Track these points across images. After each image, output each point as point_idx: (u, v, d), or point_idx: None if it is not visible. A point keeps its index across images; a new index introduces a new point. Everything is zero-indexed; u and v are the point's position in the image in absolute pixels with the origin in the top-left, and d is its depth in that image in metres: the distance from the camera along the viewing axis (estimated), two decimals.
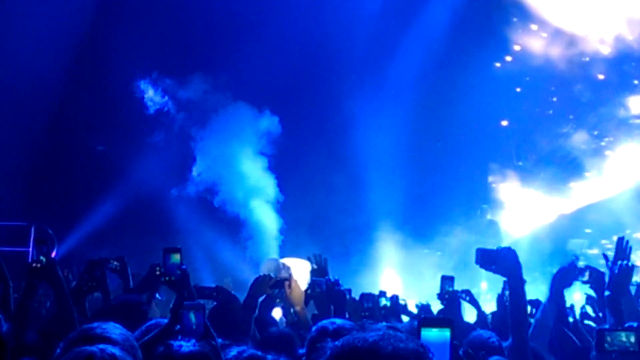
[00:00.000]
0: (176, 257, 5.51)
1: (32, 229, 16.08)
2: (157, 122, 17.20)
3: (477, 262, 5.17)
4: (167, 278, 5.49)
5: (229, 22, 17.17)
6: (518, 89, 18.45)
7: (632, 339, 4.65)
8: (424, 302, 8.82)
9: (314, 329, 4.45)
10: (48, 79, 16.56)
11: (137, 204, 16.73)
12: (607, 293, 5.42)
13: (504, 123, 18.85)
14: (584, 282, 6.61)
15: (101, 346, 2.68)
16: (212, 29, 17.10)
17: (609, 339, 4.68)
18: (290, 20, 16.86)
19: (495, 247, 5.20)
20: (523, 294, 5.13)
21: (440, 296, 7.21)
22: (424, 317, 5.00)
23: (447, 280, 7.27)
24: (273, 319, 7.20)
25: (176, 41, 17.27)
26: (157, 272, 5.81)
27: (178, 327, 4.15)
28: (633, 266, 5.59)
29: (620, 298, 5.40)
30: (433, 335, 2.86)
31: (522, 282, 5.09)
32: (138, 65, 16.69)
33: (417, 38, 17.82)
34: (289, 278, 7.08)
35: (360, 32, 17.66)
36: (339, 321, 4.45)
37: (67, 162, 17.94)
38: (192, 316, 4.06)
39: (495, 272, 5.24)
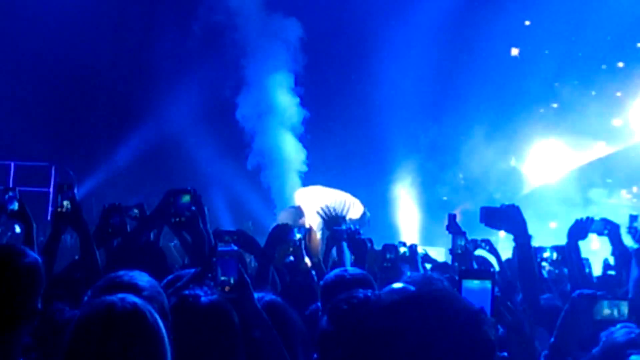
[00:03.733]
0: (186, 198, 5.43)
1: (53, 169, 16.20)
2: (179, 62, 17.15)
3: (481, 220, 5.14)
4: (177, 219, 5.40)
5: None
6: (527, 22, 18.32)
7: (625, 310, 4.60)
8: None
9: (327, 278, 4.40)
10: (69, 17, 16.48)
11: (158, 146, 16.74)
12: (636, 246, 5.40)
13: (515, 52, 18.62)
14: (600, 234, 6.62)
15: (121, 295, 2.65)
16: None
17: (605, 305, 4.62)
18: None
19: (500, 206, 5.17)
20: (530, 249, 5.11)
21: (452, 251, 7.17)
22: (465, 268, 5.01)
23: (458, 236, 7.19)
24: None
25: None
26: (172, 200, 5.51)
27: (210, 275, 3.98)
28: None
29: None
30: (475, 286, 2.86)
31: (529, 237, 5.06)
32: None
33: None
34: (309, 229, 7.04)
35: None
36: (351, 270, 4.40)
37: (88, 101, 17.93)
38: (225, 263, 3.79)
39: (500, 229, 5.24)
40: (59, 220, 5.22)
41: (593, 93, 17.85)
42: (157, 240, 6.28)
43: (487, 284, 2.85)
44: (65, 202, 5.19)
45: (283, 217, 11.52)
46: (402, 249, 7.97)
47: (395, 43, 17.61)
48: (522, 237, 5.02)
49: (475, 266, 6.89)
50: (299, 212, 12.18)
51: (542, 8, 17.74)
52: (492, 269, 6.76)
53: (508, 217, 5.03)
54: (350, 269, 4.55)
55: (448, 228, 7.22)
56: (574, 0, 17.37)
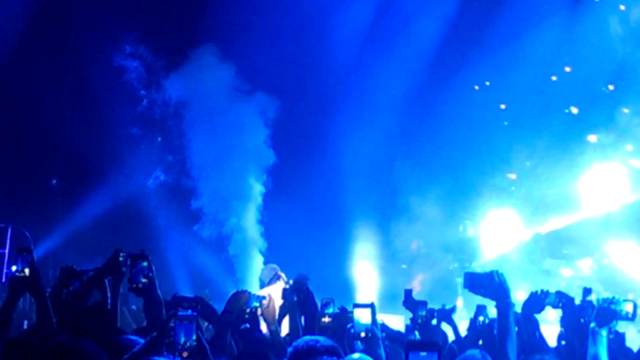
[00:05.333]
0: (144, 264, 5.43)
1: (9, 230, 15.99)
2: (141, 119, 17.20)
3: (465, 285, 5.21)
4: (134, 285, 5.38)
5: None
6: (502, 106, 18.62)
7: None
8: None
9: (298, 344, 4.41)
10: (25, 75, 16.45)
11: (116, 207, 16.66)
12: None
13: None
14: (554, 307, 6.69)
15: None
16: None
17: None
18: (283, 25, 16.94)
19: (483, 272, 5.25)
20: (511, 317, 5.15)
21: (413, 320, 7.22)
22: (411, 340, 5.03)
23: (420, 305, 7.26)
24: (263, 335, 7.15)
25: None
26: (121, 258, 5.69)
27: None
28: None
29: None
30: (422, 358, 2.89)
31: (511, 305, 5.12)
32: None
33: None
34: (265, 297, 7.04)
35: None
36: (323, 340, 4.41)
37: (45, 162, 17.82)
38: (184, 328, 3.83)
39: (484, 295, 5.28)
40: (17, 285, 5.18)
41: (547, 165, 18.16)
42: (114, 302, 6.24)
43: (434, 357, 2.88)
44: (25, 268, 5.16)
45: (265, 274, 12.22)
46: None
47: (354, 107, 17.86)
48: (504, 303, 5.08)
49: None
50: (278, 272, 12.36)
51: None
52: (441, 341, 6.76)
53: (491, 283, 5.09)
54: (322, 339, 4.54)
55: (405, 304, 7.31)
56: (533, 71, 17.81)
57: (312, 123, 18.16)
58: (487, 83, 18.54)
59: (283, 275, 12.29)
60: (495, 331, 5.29)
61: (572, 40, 17.62)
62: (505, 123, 18.75)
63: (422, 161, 18.34)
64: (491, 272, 5.14)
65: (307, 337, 4.60)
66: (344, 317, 6.06)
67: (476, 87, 18.63)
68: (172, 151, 17.14)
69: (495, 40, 17.66)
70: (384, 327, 9.01)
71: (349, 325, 5.64)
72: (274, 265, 12.79)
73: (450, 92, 17.90)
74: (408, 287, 7.71)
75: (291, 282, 10.66)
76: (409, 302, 7.29)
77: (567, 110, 18.14)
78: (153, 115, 17.21)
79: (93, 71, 16.87)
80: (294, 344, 4.56)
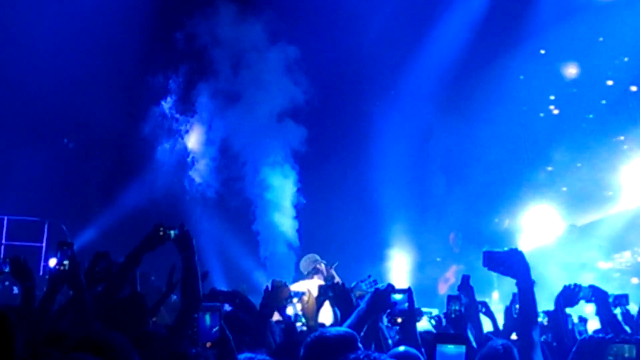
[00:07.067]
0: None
1: (46, 225, 16.18)
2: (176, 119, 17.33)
3: (484, 264, 5.16)
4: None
5: None
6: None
7: (634, 352, 4.63)
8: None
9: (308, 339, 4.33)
10: (66, 76, 16.62)
11: (152, 201, 16.78)
12: None
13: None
14: (588, 301, 6.64)
15: None
16: None
17: (615, 349, 4.65)
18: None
19: (502, 250, 5.18)
20: (532, 294, 5.08)
21: (446, 315, 7.19)
22: (439, 333, 5.00)
23: (453, 299, 7.24)
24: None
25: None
26: (160, 232, 5.63)
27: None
28: None
29: None
30: (448, 351, 2.88)
31: (531, 282, 5.05)
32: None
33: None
34: (305, 292, 7.05)
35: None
36: (333, 330, 4.35)
37: (82, 157, 17.98)
38: (207, 318, 3.84)
39: (503, 273, 5.22)
40: (57, 279, 5.24)
41: (586, 158, 17.96)
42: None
43: (462, 349, 2.88)
44: (65, 262, 5.21)
45: (303, 265, 12.28)
46: None
47: (387, 102, 17.83)
48: (524, 281, 5.01)
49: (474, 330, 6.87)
50: (317, 262, 12.37)
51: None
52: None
53: (511, 261, 5.02)
54: (332, 329, 4.48)
55: (459, 288, 7.30)
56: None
57: (345, 117, 18.15)
58: (522, 77, 18.33)
59: (323, 266, 12.27)
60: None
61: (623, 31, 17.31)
62: (542, 115, 18.59)
63: (457, 154, 18.24)
64: (510, 250, 5.08)
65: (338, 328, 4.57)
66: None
67: (521, 77, 18.35)
68: (209, 145, 17.24)
69: (534, 31, 17.52)
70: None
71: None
72: (315, 257, 12.75)
73: (486, 85, 17.77)
74: (443, 278, 7.69)
75: (333, 271, 10.69)
76: (465, 288, 7.27)
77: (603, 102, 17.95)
78: (192, 108, 17.34)
79: (133, 66, 17.04)
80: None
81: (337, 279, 11.04)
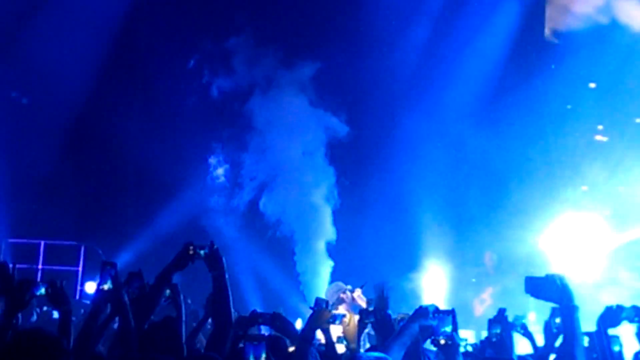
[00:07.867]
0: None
1: (82, 249, 16.33)
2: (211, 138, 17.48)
3: (527, 290, 5.06)
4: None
5: None
6: None
7: None
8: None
9: None
10: (99, 97, 16.82)
11: (186, 223, 16.86)
12: None
13: None
14: (631, 322, 6.51)
15: None
16: None
17: None
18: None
19: (544, 275, 5.11)
20: (576, 320, 4.98)
21: (488, 339, 7.13)
22: (488, 357, 4.91)
23: (494, 323, 7.18)
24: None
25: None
26: (190, 251, 5.63)
27: None
28: None
29: None
30: None
31: (575, 308, 4.96)
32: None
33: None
34: (346, 315, 7.03)
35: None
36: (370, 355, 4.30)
37: (117, 181, 18.13)
38: (253, 348, 3.78)
39: (546, 299, 5.12)
40: (101, 300, 5.27)
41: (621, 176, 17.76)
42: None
43: None
44: (108, 282, 5.25)
45: (330, 293, 11.86)
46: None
47: (421, 114, 17.80)
48: (567, 307, 4.91)
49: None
50: (344, 290, 12.29)
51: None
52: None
53: (553, 287, 4.94)
54: (368, 353, 4.45)
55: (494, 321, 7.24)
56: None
57: (379, 129, 18.16)
58: (569, 106, 18.20)
59: (347, 295, 12.17)
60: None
61: None
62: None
63: (491, 171, 18.12)
64: (552, 276, 4.99)
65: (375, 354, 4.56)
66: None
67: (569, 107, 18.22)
68: (240, 168, 17.33)
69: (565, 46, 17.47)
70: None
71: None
72: (339, 286, 12.69)
73: (518, 99, 17.70)
74: (479, 299, 7.65)
75: (358, 298, 10.59)
76: (499, 321, 7.24)
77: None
78: (222, 131, 17.46)
79: (166, 88, 17.21)
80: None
81: (363, 305, 10.90)
